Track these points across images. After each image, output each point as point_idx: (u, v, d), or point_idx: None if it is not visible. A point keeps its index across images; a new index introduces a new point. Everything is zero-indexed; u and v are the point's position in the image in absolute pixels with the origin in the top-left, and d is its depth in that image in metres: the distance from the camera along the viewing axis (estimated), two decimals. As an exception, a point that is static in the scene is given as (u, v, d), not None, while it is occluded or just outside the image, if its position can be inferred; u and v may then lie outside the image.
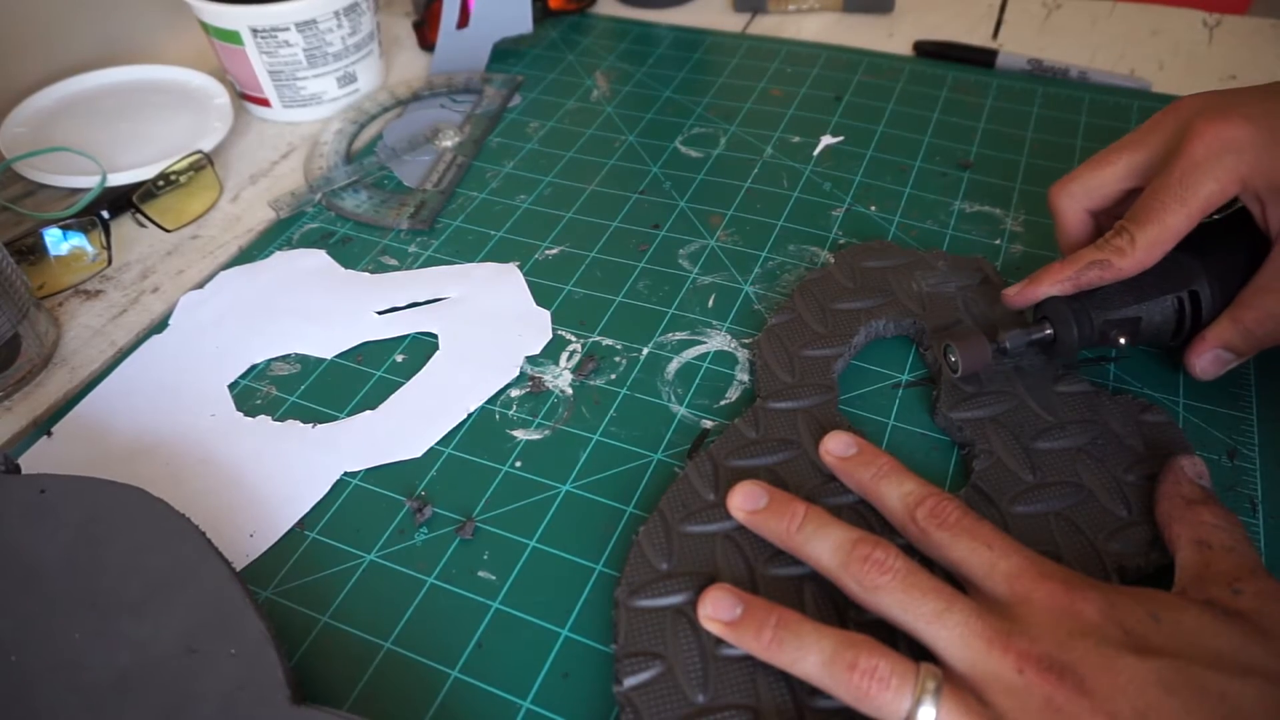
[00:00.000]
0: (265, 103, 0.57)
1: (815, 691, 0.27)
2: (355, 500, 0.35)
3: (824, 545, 0.28)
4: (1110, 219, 0.36)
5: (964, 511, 0.29)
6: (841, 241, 0.45)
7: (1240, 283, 0.34)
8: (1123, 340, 0.34)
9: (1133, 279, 0.34)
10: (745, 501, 0.31)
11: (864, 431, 0.35)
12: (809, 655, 0.26)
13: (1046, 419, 0.35)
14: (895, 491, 0.30)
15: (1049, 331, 0.35)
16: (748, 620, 0.27)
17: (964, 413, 0.35)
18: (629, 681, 0.27)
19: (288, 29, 0.53)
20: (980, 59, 0.58)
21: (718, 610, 0.28)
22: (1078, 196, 0.37)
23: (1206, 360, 0.34)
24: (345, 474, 0.36)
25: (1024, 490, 0.32)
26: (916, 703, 0.24)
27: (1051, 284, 0.35)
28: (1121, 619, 0.25)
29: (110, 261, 0.47)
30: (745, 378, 0.39)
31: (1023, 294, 0.36)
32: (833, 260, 0.42)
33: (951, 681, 0.25)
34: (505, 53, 0.63)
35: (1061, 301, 0.35)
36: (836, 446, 0.32)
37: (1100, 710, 0.23)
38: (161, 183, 0.50)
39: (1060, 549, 0.31)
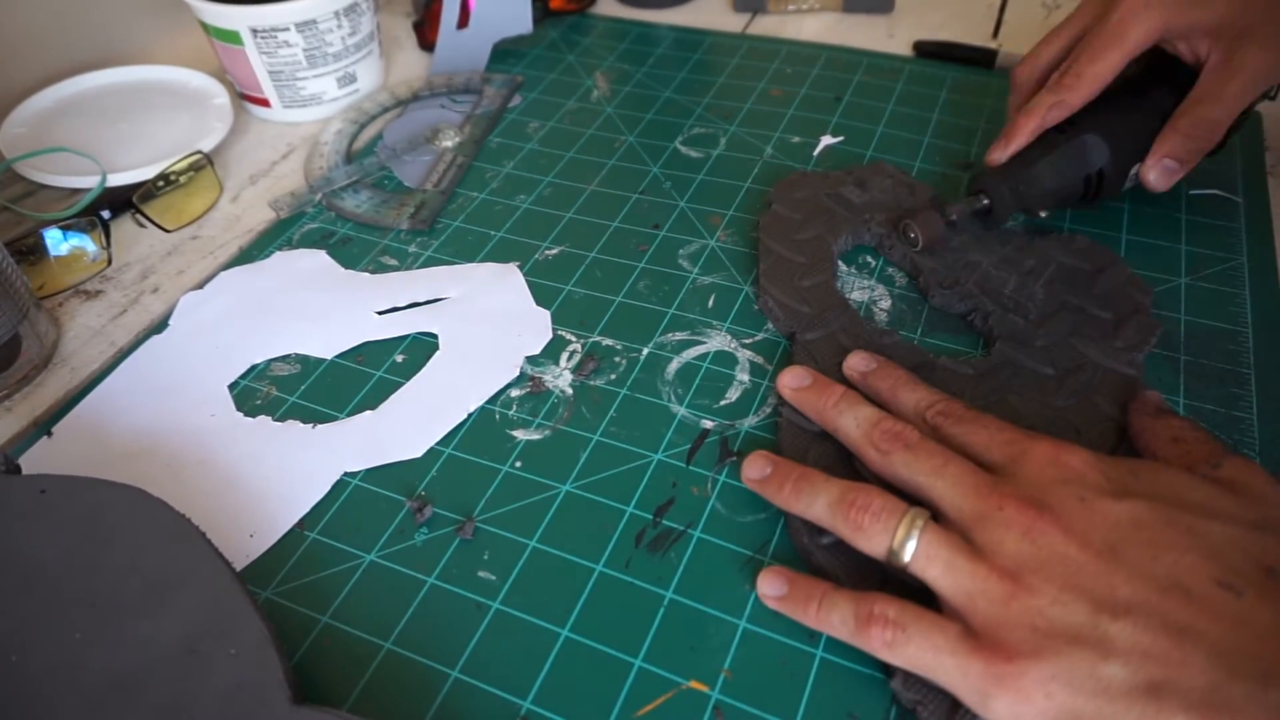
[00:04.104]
0: (265, 103, 0.57)
1: (822, 532, 0.31)
2: (355, 500, 0.35)
3: (852, 419, 0.32)
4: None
5: (968, 408, 0.32)
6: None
7: (1136, 140, 0.41)
8: (1043, 214, 0.42)
9: (1048, 160, 0.41)
10: (793, 380, 0.36)
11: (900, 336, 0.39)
12: (819, 498, 0.30)
13: (1010, 274, 0.41)
14: (911, 398, 0.33)
15: (986, 202, 0.41)
16: (774, 476, 0.32)
17: (954, 289, 0.40)
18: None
19: (288, 29, 0.53)
20: (980, 59, 0.58)
21: (751, 470, 0.33)
22: (1037, 68, 0.44)
23: (1156, 172, 0.41)
24: (345, 474, 0.36)
25: (1032, 326, 0.38)
26: (906, 535, 0.27)
27: (1026, 133, 0.41)
28: (1105, 470, 0.28)
29: (110, 262, 0.47)
30: (745, 378, 0.39)
31: (1006, 149, 0.42)
32: (774, 200, 0.46)
33: (940, 522, 0.28)
34: (505, 53, 0.63)
35: (994, 177, 0.41)
36: (859, 363, 0.36)
37: (1072, 540, 0.26)
38: (161, 183, 0.50)
39: (1085, 361, 0.36)
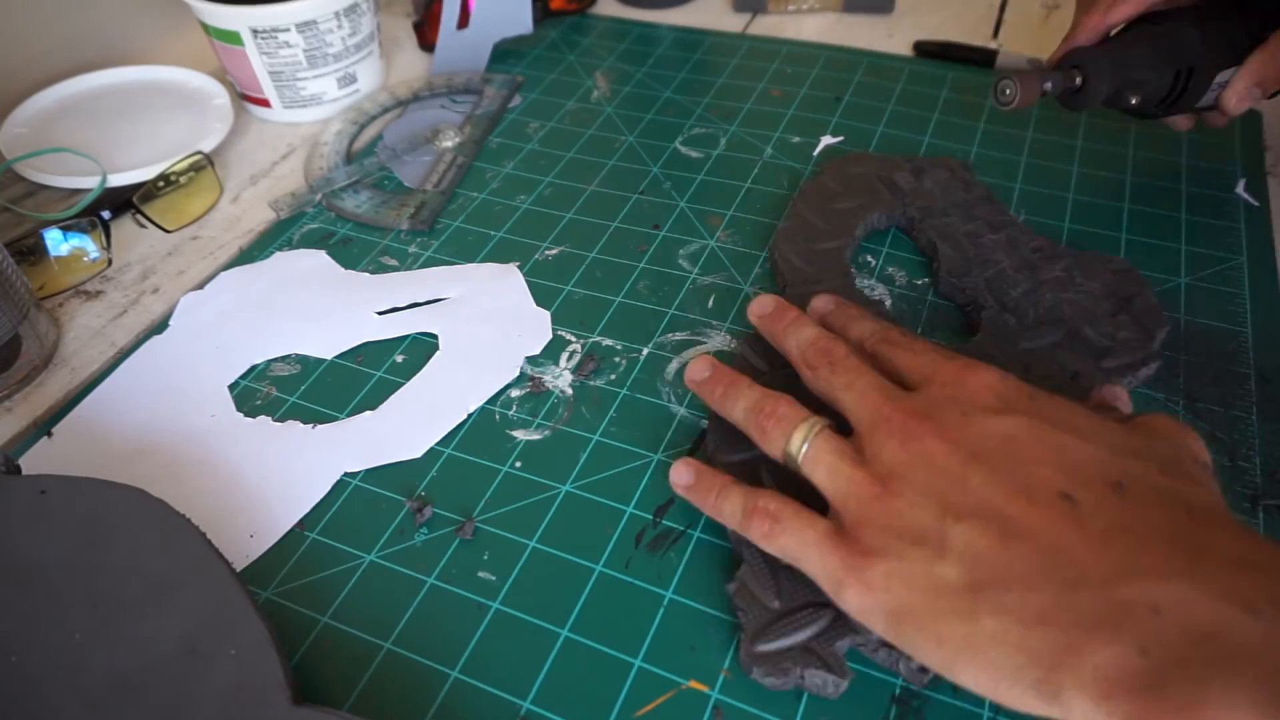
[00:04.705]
0: (265, 103, 0.57)
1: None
2: (355, 501, 0.35)
3: (794, 340, 0.34)
4: None
5: (904, 333, 0.33)
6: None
7: (1231, 44, 0.40)
8: (1134, 100, 0.41)
9: (1143, 47, 0.40)
10: (759, 308, 0.37)
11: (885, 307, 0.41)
12: (740, 404, 0.32)
13: (1025, 279, 0.40)
14: (858, 329, 0.35)
15: (1080, 80, 0.40)
16: (711, 380, 0.34)
17: (961, 280, 0.41)
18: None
19: (288, 29, 0.53)
20: (980, 59, 0.58)
21: (693, 372, 0.34)
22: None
23: (1238, 97, 0.40)
24: (345, 474, 0.36)
25: (1022, 330, 0.38)
26: (802, 440, 0.29)
27: (1092, 29, 0.41)
28: (1002, 391, 0.28)
29: (110, 262, 0.47)
30: (745, 378, 0.39)
31: (1078, 35, 0.42)
32: (824, 171, 0.47)
33: (850, 435, 0.30)
34: (505, 53, 0.63)
35: (1091, 52, 0.40)
36: (821, 304, 0.37)
37: (943, 449, 0.27)
38: (162, 183, 0.50)
39: (1074, 369, 0.36)
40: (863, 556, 0.26)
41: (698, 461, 0.32)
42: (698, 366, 0.35)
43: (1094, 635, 0.22)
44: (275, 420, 0.38)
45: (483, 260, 0.46)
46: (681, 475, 0.32)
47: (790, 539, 0.28)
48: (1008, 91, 0.40)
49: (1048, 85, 0.40)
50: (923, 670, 0.28)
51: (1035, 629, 0.23)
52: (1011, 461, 0.26)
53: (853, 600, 0.26)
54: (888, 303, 0.42)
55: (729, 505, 0.30)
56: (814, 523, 0.28)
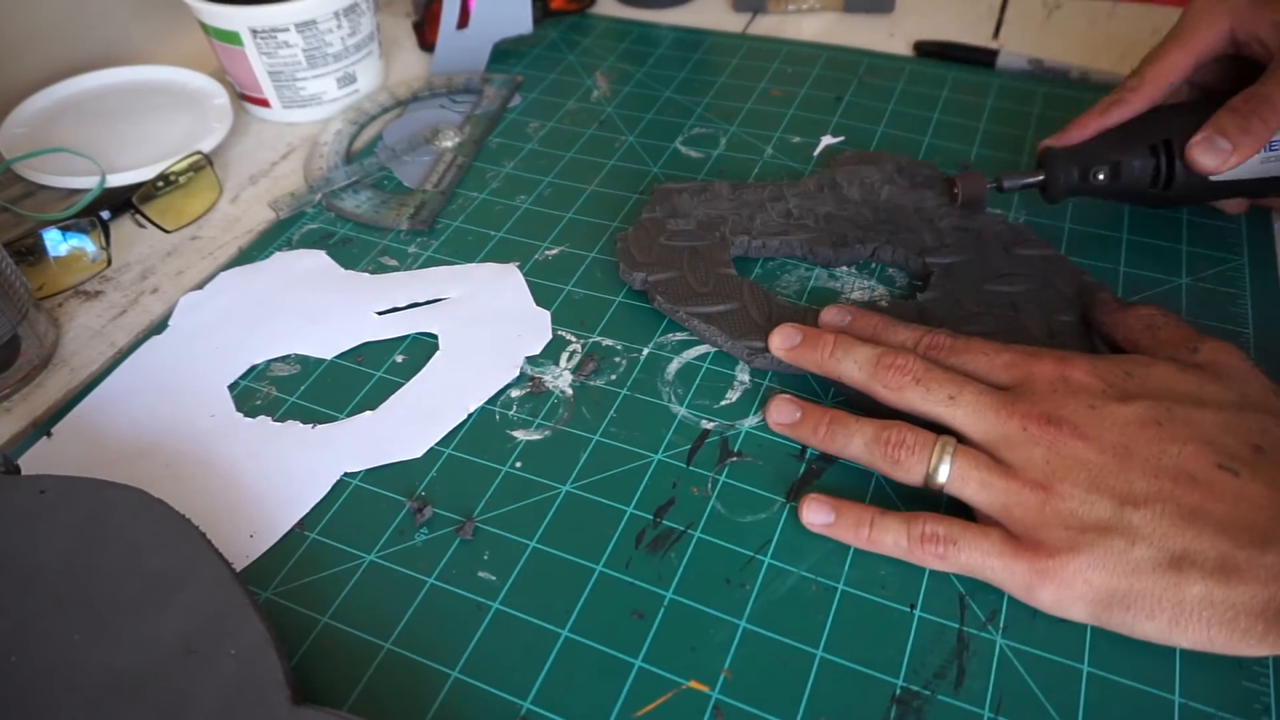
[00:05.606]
0: (265, 103, 0.57)
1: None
2: (355, 501, 0.35)
3: (853, 363, 0.34)
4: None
5: (955, 336, 0.34)
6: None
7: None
8: (1101, 176, 0.40)
9: (1117, 137, 0.41)
10: (783, 341, 0.36)
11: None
12: (855, 439, 0.32)
13: (1001, 269, 0.40)
14: (897, 337, 0.35)
15: (1041, 177, 0.41)
16: (806, 420, 0.34)
17: (933, 258, 0.41)
18: None
19: (287, 30, 0.53)
20: (980, 59, 0.58)
21: (779, 416, 0.35)
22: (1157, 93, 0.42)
23: (1201, 147, 0.38)
24: (345, 474, 0.36)
25: (965, 315, 0.38)
26: (939, 462, 0.30)
27: (1086, 128, 0.41)
28: (1104, 376, 0.31)
29: (110, 262, 0.47)
30: (745, 378, 0.39)
31: (1063, 137, 0.42)
32: (643, 273, 0.42)
33: (969, 445, 0.31)
34: (505, 53, 0.63)
35: (1056, 152, 0.41)
36: (835, 317, 0.38)
37: (1091, 447, 0.29)
38: (161, 183, 0.50)
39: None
40: (1050, 557, 0.28)
41: (831, 498, 0.32)
42: (783, 409, 0.35)
43: None
44: (275, 420, 0.38)
45: (483, 260, 0.46)
46: (819, 514, 0.32)
47: (969, 556, 0.29)
48: (955, 190, 0.42)
49: (1004, 183, 0.42)
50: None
51: (1238, 587, 0.26)
52: (1158, 445, 0.29)
53: (1048, 598, 0.28)
54: (887, 304, 0.41)
55: (890, 537, 0.31)
56: (987, 534, 0.29)
